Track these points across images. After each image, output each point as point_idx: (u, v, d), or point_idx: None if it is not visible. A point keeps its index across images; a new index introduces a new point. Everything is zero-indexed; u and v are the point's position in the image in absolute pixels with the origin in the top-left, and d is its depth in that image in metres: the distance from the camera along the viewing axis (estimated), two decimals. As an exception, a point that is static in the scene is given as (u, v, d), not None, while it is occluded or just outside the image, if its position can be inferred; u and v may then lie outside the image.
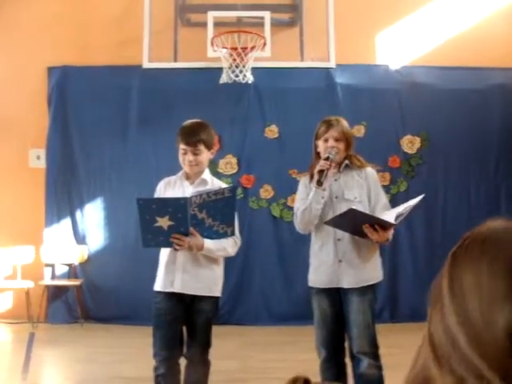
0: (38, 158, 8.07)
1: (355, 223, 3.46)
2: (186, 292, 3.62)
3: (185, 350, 3.71)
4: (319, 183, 3.51)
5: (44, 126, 7.95)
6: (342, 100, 7.89)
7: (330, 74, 7.90)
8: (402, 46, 8.22)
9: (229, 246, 3.65)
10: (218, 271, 3.74)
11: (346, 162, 3.64)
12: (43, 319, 7.75)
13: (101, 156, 7.90)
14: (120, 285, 7.72)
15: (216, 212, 3.48)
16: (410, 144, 8.06)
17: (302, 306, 7.44)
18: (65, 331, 7.47)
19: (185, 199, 3.41)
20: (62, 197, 7.96)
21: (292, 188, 7.74)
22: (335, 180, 3.62)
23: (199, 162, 3.65)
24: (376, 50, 8.24)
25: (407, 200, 8.29)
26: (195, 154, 3.63)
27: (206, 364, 3.72)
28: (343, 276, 3.55)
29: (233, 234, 3.60)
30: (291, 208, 7.80)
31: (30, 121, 8.03)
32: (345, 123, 3.70)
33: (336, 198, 3.60)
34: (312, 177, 3.60)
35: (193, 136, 3.63)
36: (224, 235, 3.57)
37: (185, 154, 3.65)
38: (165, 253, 3.69)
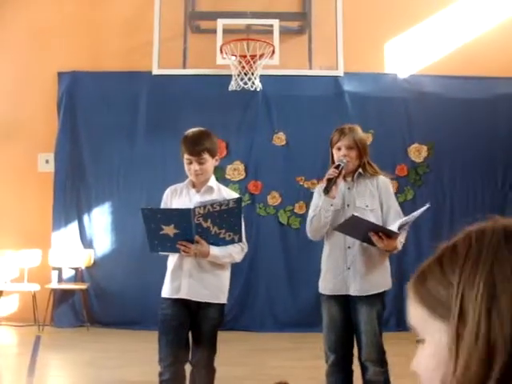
0: (47, 162, 8.11)
1: (361, 230, 3.49)
2: (191, 298, 3.64)
3: (190, 356, 3.73)
4: (326, 191, 3.53)
5: (53, 130, 8.00)
6: (350, 108, 7.91)
7: (338, 82, 7.92)
8: (410, 55, 8.24)
9: (235, 252, 3.68)
10: (225, 278, 3.76)
11: (360, 170, 3.66)
12: (49, 322, 7.77)
13: (109, 161, 7.93)
14: (126, 289, 7.74)
15: (221, 221, 3.51)
16: (417, 152, 8.07)
17: (308, 312, 7.46)
18: (71, 335, 7.49)
19: (188, 210, 3.45)
20: (70, 201, 8.00)
21: (299, 195, 7.78)
22: (348, 188, 3.65)
23: (204, 170, 3.67)
24: (384, 58, 8.26)
25: (414, 208, 8.31)
26: (200, 163, 3.64)
27: (211, 370, 3.73)
28: (350, 283, 3.58)
29: (240, 240, 3.64)
30: (298, 215, 7.84)
31: (39, 125, 8.08)
32: (358, 131, 3.71)
33: (348, 206, 3.63)
34: (336, 168, 3.63)
35: (196, 145, 3.63)
36: (231, 242, 3.60)
37: (190, 163, 3.66)
38: (172, 259, 3.72)
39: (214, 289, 3.69)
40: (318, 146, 7.69)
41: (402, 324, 7.79)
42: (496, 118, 8.07)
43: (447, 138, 8.01)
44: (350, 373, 3.66)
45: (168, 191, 3.84)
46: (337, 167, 3.55)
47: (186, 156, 3.67)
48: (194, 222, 3.43)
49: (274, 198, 7.95)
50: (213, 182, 3.78)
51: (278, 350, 6.80)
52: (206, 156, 3.65)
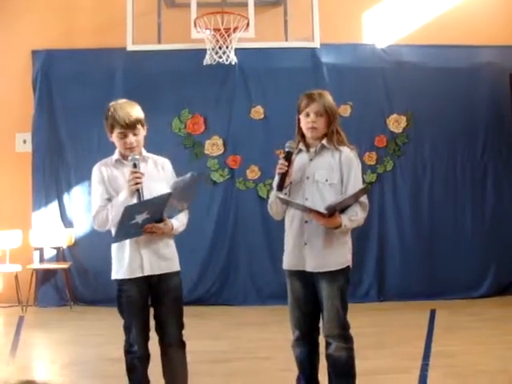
0: (25, 142, 8.05)
1: (299, 209, 3.42)
2: (154, 273, 3.53)
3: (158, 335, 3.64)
4: (280, 187, 3.43)
5: (30, 109, 7.92)
6: (328, 80, 7.87)
7: (316, 54, 7.88)
8: (388, 25, 8.21)
9: (185, 219, 3.63)
10: (174, 246, 3.66)
11: (323, 142, 3.49)
12: (33, 302, 7.81)
13: (87, 139, 7.86)
14: (108, 267, 7.54)
15: (185, 196, 3.48)
16: (397, 123, 8.07)
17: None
18: (54, 314, 7.51)
19: (168, 194, 3.35)
20: (50, 181, 7.96)
21: (278, 169, 7.75)
22: (310, 160, 3.50)
23: (139, 142, 3.59)
24: (362, 28, 8.23)
25: (394, 179, 8.29)
26: (135, 135, 3.55)
27: (183, 345, 3.63)
28: (306, 259, 3.44)
29: (188, 207, 3.61)
30: (278, 189, 7.82)
31: (15, 105, 8.01)
32: (328, 97, 3.53)
33: (307, 178, 3.48)
34: (286, 158, 3.46)
35: (131, 117, 3.53)
36: (181, 211, 3.56)
37: (125, 137, 3.53)
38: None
39: (171, 257, 3.60)
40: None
41: (382, 295, 7.86)
42: (475, 87, 8.08)
43: (426, 108, 8.02)
44: (316, 345, 3.56)
45: (100, 168, 3.68)
46: (286, 155, 3.44)
47: (118, 130, 3.53)
48: (167, 204, 3.38)
49: (253, 172, 7.94)
50: (144, 151, 3.69)
51: (261, 323, 6.83)
52: (139, 127, 3.57)
